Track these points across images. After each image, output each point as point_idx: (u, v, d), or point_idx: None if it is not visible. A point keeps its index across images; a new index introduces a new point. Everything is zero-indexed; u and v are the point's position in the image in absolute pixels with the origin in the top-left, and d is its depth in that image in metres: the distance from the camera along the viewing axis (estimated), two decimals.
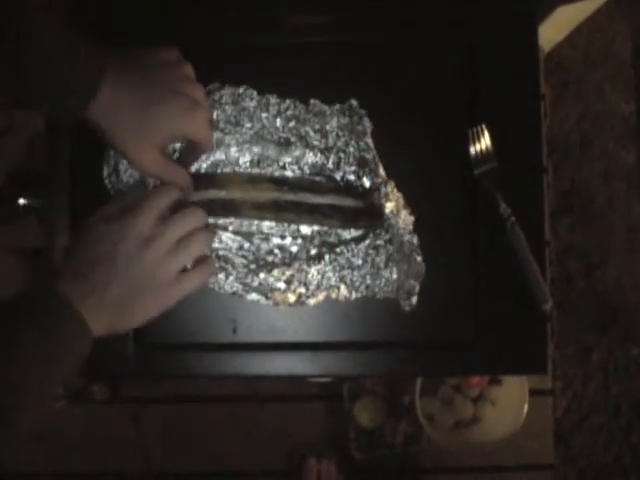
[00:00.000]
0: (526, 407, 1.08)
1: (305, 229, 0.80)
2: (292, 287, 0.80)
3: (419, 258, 0.81)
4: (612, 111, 1.28)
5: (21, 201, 0.90)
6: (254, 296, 0.80)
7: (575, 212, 1.33)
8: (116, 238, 0.69)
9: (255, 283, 0.80)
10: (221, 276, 0.80)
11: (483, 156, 0.81)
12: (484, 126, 0.81)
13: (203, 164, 0.80)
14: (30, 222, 0.93)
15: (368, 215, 0.80)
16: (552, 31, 1.08)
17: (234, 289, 0.80)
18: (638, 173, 1.30)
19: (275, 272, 0.80)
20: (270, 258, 0.80)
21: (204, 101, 0.75)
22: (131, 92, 0.70)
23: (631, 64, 1.10)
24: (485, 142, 0.81)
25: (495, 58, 0.83)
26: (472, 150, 0.81)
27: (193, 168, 0.80)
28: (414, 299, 0.81)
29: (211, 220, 0.78)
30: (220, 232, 0.80)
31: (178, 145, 0.79)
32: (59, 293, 0.65)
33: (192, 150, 0.78)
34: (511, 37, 0.84)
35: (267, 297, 0.80)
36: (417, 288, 0.81)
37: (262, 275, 0.80)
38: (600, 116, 1.30)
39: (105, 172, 0.80)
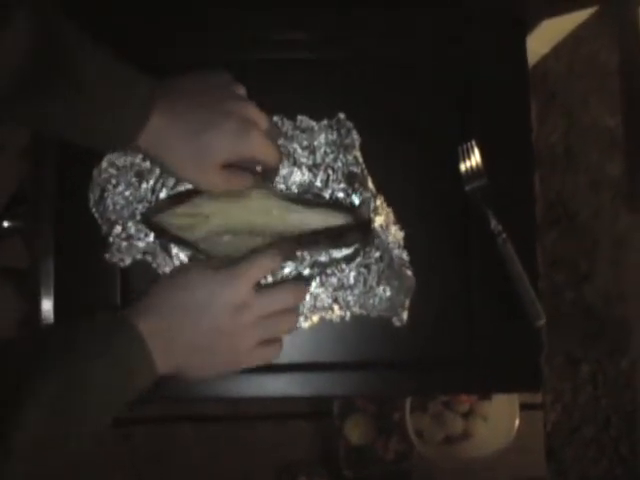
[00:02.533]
0: (517, 422, 1.08)
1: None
2: None
3: (409, 273, 0.80)
4: (597, 123, 1.29)
5: (5, 223, 0.89)
6: None
7: (561, 224, 1.33)
8: (212, 293, 0.69)
9: None
10: None
11: (473, 172, 0.81)
12: (474, 142, 0.81)
13: (188, 185, 0.79)
14: (15, 243, 0.92)
15: (358, 231, 0.79)
16: (537, 44, 1.08)
17: None
18: (624, 184, 1.30)
19: None
20: (261, 282, 0.79)
21: (259, 118, 0.74)
22: (181, 118, 0.69)
23: (618, 75, 1.10)
24: (475, 158, 0.81)
25: (485, 74, 0.83)
26: (462, 166, 0.81)
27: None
28: (404, 315, 0.80)
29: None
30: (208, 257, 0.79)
31: None
32: (134, 330, 0.65)
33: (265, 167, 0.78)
34: (500, 53, 0.84)
35: None
36: (407, 303, 0.80)
37: None
38: (585, 128, 1.30)
39: (91, 200, 0.79)
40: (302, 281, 0.79)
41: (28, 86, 0.64)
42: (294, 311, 0.75)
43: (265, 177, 0.78)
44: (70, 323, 0.67)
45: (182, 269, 0.73)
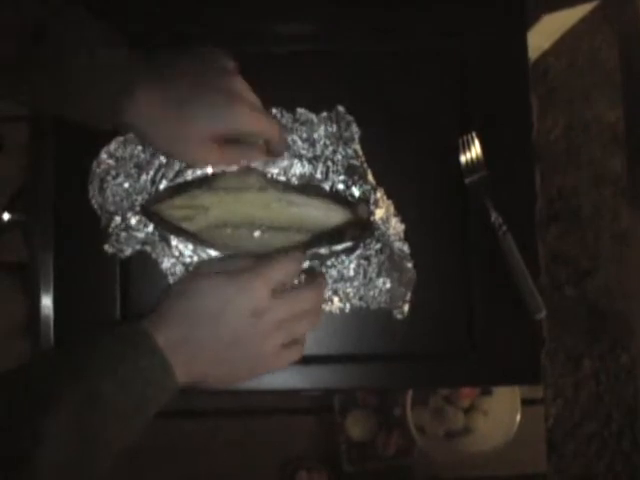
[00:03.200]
0: (518, 417, 1.07)
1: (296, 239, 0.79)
2: None
3: (409, 265, 0.80)
4: (599, 118, 1.29)
5: (5, 216, 0.89)
6: None
7: (563, 220, 1.32)
8: (226, 300, 0.67)
9: None
10: None
11: (473, 165, 0.81)
12: (474, 134, 0.81)
13: (188, 177, 0.79)
14: (15, 237, 0.92)
15: (357, 228, 0.79)
16: (538, 39, 1.08)
17: None
18: (625, 180, 1.30)
19: None
20: None
21: (245, 91, 0.73)
22: (164, 92, 0.69)
23: (619, 69, 1.10)
24: (475, 151, 0.80)
25: (485, 67, 0.83)
26: (462, 158, 0.81)
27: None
28: (406, 307, 0.80)
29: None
30: (207, 250, 0.78)
31: None
32: (152, 342, 0.64)
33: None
34: (501, 46, 0.84)
35: None
36: (409, 295, 0.80)
37: None
38: (587, 124, 1.30)
39: (90, 191, 0.79)
40: (320, 277, 0.77)
41: (22, 60, 0.65)
42: (315, 310, 0.74)
43: (273, 152, 0.78)
44: (88, 339, 0.66)
45: (194, 276, 0.71)
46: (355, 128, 0.81)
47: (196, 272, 0.72)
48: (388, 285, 0.79)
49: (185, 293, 0.69)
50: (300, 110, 0.81)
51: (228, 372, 0.69)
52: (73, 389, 0.60)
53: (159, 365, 0.64)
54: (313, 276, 0.77)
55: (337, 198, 0.79)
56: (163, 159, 0.78)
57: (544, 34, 1.09)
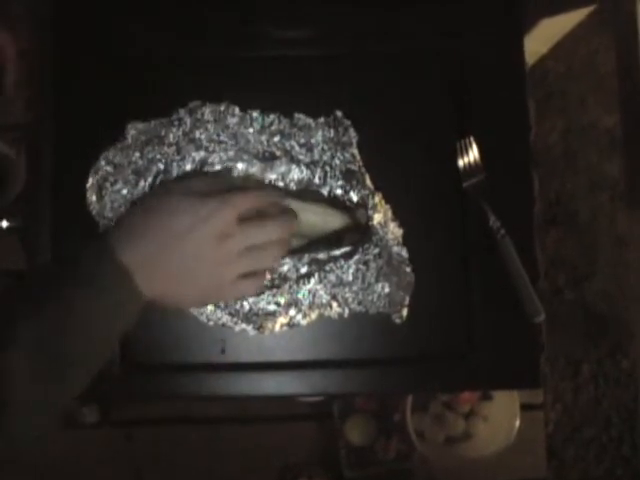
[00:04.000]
0: (518, 422, 1.07)
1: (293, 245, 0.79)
2: (283, 310, 0.79)
3: (408, 269, 0.80)
4: (595, 123, 1.29)
5: (3, 224, 0.89)
6: (243, 326, 0.79)
7: (561, 225, 1.33)
8: (194, 220, 0.67)
9: (245, 309, 0.78)
10: (210, 307, 0.79)
11: (471, 168, 0.81)
12: (472, 138, 0.81)
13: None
14: (12, 243, 0.92)
15: (356, 232, 0.79)
16: (535, 44, 1.09)
17: (222, 321, 0.79)
18: (622, 184, 1.30)
19: (265, 295, 0.78)
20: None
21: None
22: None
23: (616, 74, 1.10)
24: (473, 154, 0.80)
25: (483, 71, 0.83)
26: (460, 162, 0.81)
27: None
28: (404, 311, 0.80)
29: None
30: None
31: None
32: (117, 260, 0.63)
33: None
34: (498, 50, 0.84)
35: (256, 325, 0.78)
36: (407, 300, 0.80)
37: (252, 299, 0.78)
38: (584, 128, 1.30)
39: (89, 198, 0.79)
40: (291, 212, 0.75)
41: None
42: (280, 243, 0.72)
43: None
44: (56, 261, 0.66)
45: (163, 193, 0.70)
46: (353, 133, 0.81)
47: (165, 190, 0.71)
48: (387, 289, 0.79)
49: (153, 210, 0.68)
50: (298, 115, 0.81)
51: (187, 291, 0.69)
52: (41, 311, 0.60)
53: (125, 284, 0.64)
54: (284, 211, 0.75)
55: (335, 203, 0.79)
56: (161, 166, 0.79)
57: (542, 39, 1.09)
